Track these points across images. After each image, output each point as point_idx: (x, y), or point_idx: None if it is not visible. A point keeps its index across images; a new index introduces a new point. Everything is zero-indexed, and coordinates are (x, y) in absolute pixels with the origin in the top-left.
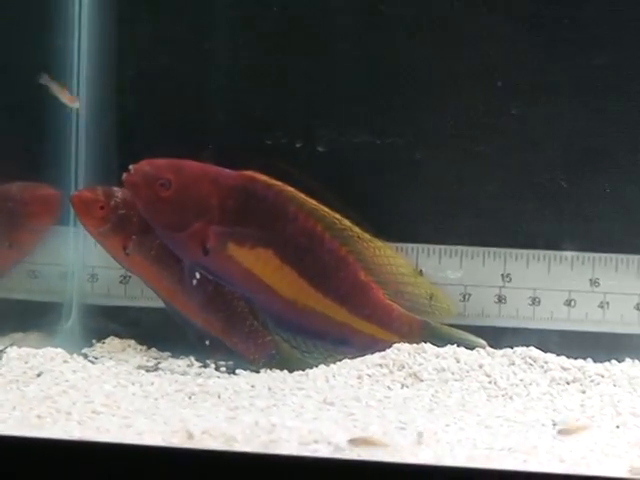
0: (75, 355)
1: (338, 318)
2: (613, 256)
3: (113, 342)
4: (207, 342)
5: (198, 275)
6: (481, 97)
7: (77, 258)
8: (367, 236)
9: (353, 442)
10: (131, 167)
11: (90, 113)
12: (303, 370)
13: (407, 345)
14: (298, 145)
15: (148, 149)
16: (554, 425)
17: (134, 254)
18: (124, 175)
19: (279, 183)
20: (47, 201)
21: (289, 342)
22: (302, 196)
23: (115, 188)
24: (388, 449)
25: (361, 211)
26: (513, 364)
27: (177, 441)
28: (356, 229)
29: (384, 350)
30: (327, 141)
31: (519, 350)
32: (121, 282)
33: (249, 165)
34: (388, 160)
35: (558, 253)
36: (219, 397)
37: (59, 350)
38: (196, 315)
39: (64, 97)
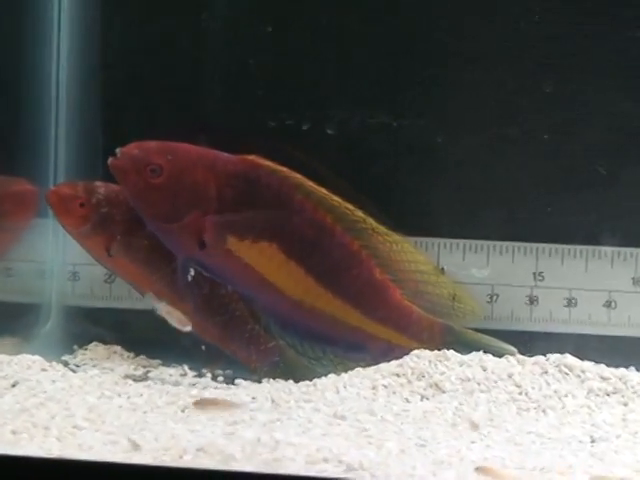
0: (54, 363)
1: (350, 321)
2: None
3: (97, 348)
4: (203, 348)
5: (192, 272)
6: (512, 73)
7: (57, 254)
8: (383, 229)
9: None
10: (118, 150)
11: (72, 96)
12: (310, 380)
13: (427, 352)
14: (305, 127)
15: (137, 132)
16: (592, 442)
17: (119, 256)
18: (110, 159)
19: (284, 169)
20: (23, 198)
21: (295, 348)
22: (310, 184)
23: (97, 183)
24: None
25: (376, 201)
26: (546, 373)
27: (169, 459)
28: (371, 221)
29: (401, 357)
30: (338, 123)
31: (553, 357)
32: (106, 281)
33: (251, 149)
34: (406, 144)
35: (597, 248)
36: None
37: (36, 357)
38: (190, 318)
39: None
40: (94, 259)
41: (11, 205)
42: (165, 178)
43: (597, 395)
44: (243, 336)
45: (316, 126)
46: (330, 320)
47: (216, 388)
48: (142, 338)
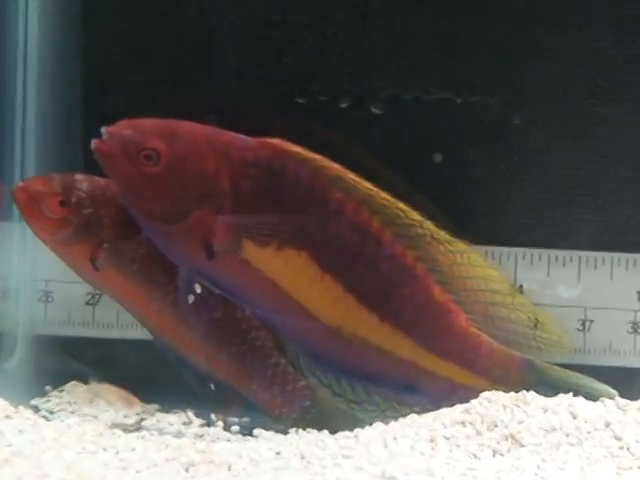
0: (22, 408)
1: (401, 353)
2: None
3: (76, 389)
4: (212, 388)
5: (199, 289)
6: (600, 42)
7: (23, 267)
8: (444, 236)
9: None
10: (104, 130)
11: (43, 68)
12: (351, 430)
13: (501, 394)
14: (344, 105)
15: (128, 109)
16: None
17: (107, 268)
18: (93, 142)
19: (318, 157)
20: None
21: (330, 388)
22: (351, 176)
23: (78, 176)
24: None
25: (435, 199)
26: None
27: None
28: (429, 225)
29: (468, 401)
30: (385, 99)
31: None
32: (88, 303)
33: (275, 130)
34: (474, 126)
35: None
36: (229, 469)
37: None
38: (197, 350)
39: None
40: (75, 274)
41: None
42: (164, 166)
43: None
44: (265, 373)
45: (358, 103)
46: (376, 352)
47: (229, 441)
48: (134, 376)
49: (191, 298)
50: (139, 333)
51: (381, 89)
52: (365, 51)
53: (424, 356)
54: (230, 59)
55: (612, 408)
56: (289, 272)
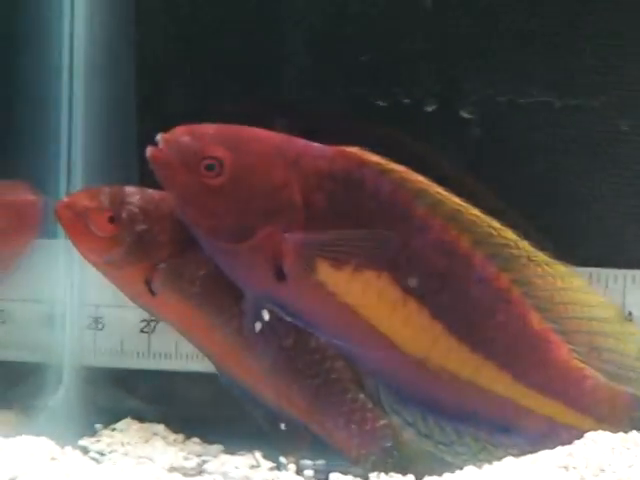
0: (69, 448)
1: (496, 389)
2: None
3: (130, 428)
4: (282, 427)
5: (267, 316)
6: None
7: (71, 291)
8: (543, 257)
9: None
10: (159, 138)
11: (93, 75)
12: (439, 475)
13: (608, 434)
14: (430, 108)
15: (186, 114)
16: None
17: (164, 292)
18: (148, 150)
19: (400, 168)
20: (20, 211)
21: (416, 428)
22: (438, 190)
23: (130, 189)
24: None
25: (533, 215)
26: None
27: None
28: (525, 245)
29: (571, 442)
30: (477, 103)
31: None
32: (143, 330)
33: (352, 138)
34: (575, 133)
35: None
36: None
37: (43, 440)
38: (266, 384)
39: None
40: (128, 298)
41: (8, 219)
42: (227, 177)
43: None
44: (341, 409)
45: (446, 107)
46: (467, 387)
47: None
48: (195, 413)
49: (258, 325)
50: (200, 365)
51: (471, 91)
52: (454, 47)
53: (521, 392)
54: (302, 57)
55: None
56: (368, 296)
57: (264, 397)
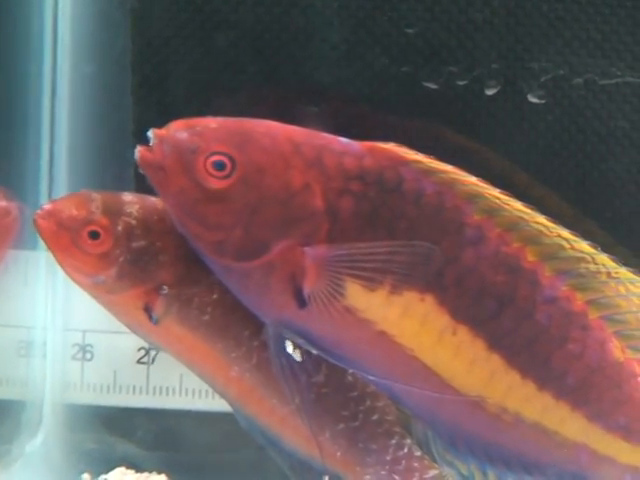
0: None
1: (568, 432)
2: None
3: (124, 478)
4: (313, 477)
5: (291, 348)
6: None
7: (53, 315)
8: (626, 273)
9: None
10: (152, 133)
11: (80, 37)
12: None
13: None
14: (490, 91)
15: (193, 103)
16: None
17: (168, 321)
18: (138, 150)
19: (448, 167)
20: None
21: (471, 478)
22: (495, 193)
23: (127, 195)
24: None
25: (614, 224)
26: None
27: None
28: (603, 259)
29: None
30: (547, 84)
31: None
32: (140, 361)
33: (390, 131)
34: None
35: None
36: None
37: None
38: (293, 428)
39: None
40: (124, 324)
41: None
42: (234, 181)
43: None
44: (383, 458)
45: (510, 89)
46: (532, 430)
47: None
48: (203, 461)
49: (283, 359)
50: (209, 402)
51: (541, 70)
52: (520, 19)
53: (599, 436)
54: (332, 29)
55: None
56: (409, 323)
57: (290, 443)
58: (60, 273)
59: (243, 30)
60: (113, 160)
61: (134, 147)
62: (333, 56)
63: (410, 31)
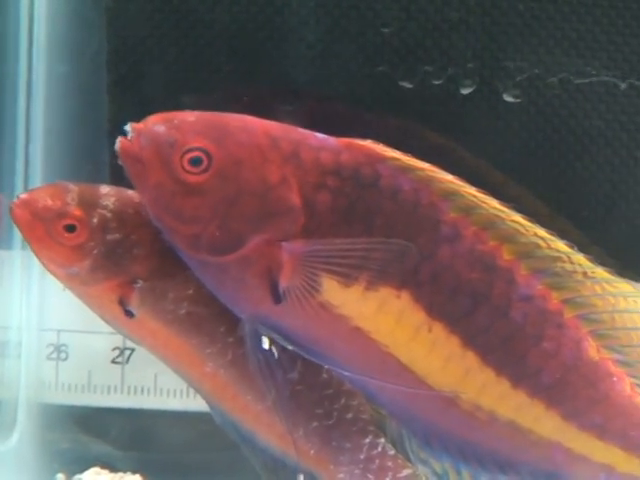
0: None
1: (543, 431)
2: None
3: (98, 478)
4: (286, 476)
5: (267, 344)
6: None
7: (28, 313)
8: (602, 273)
9: None
10: (130, 127)
11: (56, 32)
12: None
13: None
14: (465, 91)
15: (170, 99)
16: None
17: (143, 315)
18: (118, 142)
19: (424, 164)
20: None
21: (446, 478)
22: (472, 192)
23: (104, 188)
24: None
25: (589, 223)
26: None
27: None
28: (579, 258)
29: None
30: (522, 83)
31: None
32: (115, 361)
33: (366, 128)
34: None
35: None
36: None
37: None
38: (267, 425)
39: None
40: (100, 317)
41: None
42: (211, 175)
43: None
44: (357, 457)
45: (485, 89)
46: (507, 428)
47: None
48: (177, 461)
49: (258, 355)
50: (184, 402)
51: (516, 69)
52: (495, 18)
53: (573, 435)
54: (309, 28)
55: None
56: (384, 320)
57: (264, 440)
58: (35, 273)
59: (219, 29)
60: (88, 160)
61: (109, 147)
62: (309, 55)
63: (386, 30)
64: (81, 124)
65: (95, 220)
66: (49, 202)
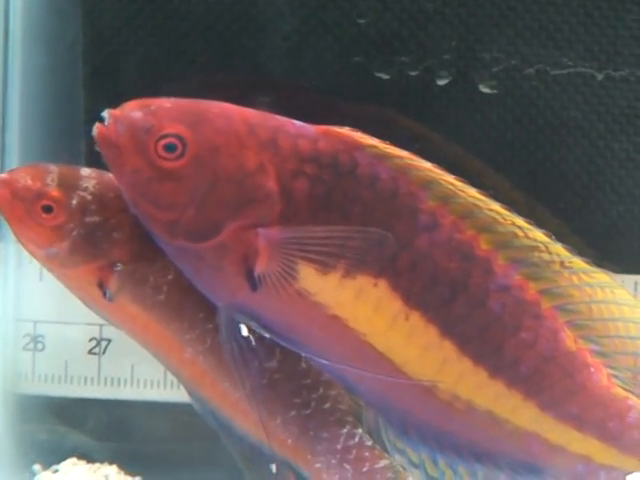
0: None
1: (520, 421)
2: None
3: (75, 469)
4: (264, 464)
5: (245, 332)
6: None
7: (3, 303)
8: (579, 263)
9: None
10: (106, 113)
11: (31, 18)
12: None
13: None
14: (442, 81)
15: (146, 87)
16: None
17: (122, 299)
18: (95, 128)
19: (402, 152)
20: None
21: (423, 470)
22: (450, 179)
23: (85, 170)
24: None
25: (567, 213)
26: None
27: None
28: (557, 248)
29: None
30: (498, 74)
31: None
32: (92, 352)
33: (343, 116)
34: (618, 111)
35: None
36: None
37: None
38: (245, 413)
39: None
40: (81, 300)
41: None
42: (187, 161)
43: None
44: (334, 446)
45: (461, 80)
46: (484, 418)
47: None
48: (155, 451)
49: (235, 344)
50: (160, 392)
51: (492, 60)
52: (472, 9)
53: (550, 425)
54: (285, 18)
55: None
56: (361, 308)
57: (242, 427)
58: (11, 262)
59: (194, 20)
60: (64, 150)
61: (86, 137)
62: (285, 46)
63: (362, 21)
64: (57, 114)
65: (74, 202)
66: (29, 182)
